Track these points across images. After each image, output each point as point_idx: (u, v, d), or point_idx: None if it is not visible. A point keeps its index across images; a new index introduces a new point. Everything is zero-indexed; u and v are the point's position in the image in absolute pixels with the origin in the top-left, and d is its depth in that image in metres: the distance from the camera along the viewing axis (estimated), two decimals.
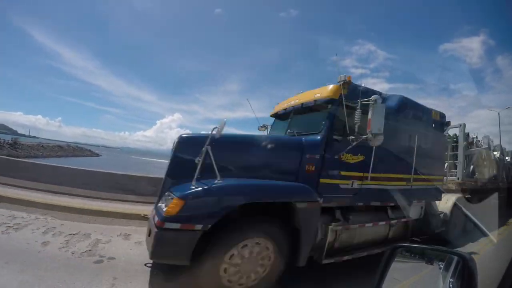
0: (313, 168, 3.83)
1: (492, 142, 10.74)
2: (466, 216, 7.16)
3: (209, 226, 2.95)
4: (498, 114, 20.52)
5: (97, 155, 79.20)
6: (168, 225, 2.89)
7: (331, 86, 4.20)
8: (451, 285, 1.54)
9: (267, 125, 5.96)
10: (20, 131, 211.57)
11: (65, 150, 64.80)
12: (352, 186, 4.14)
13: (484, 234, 7.15)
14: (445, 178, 7.11)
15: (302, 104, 4.60)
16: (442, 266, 1.71)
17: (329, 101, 4.15)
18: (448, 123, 6.34)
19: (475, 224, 7.55)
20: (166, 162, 3.77)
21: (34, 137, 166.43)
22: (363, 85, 4.40)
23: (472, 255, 1.45)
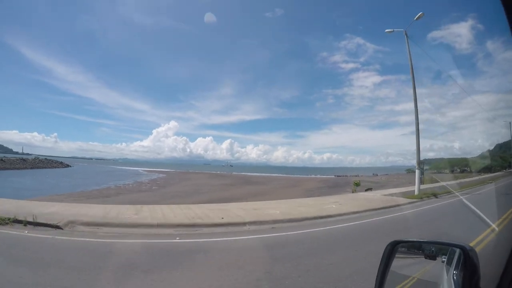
0: None
1: None
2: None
3: None
4: (405, 33, 17.26)
5: (67, 165, 77.43)
6: None
7: None
8: (454, 277, 1.51)
9: None
10: (15, 149, 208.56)
11: (28, 163, 63.51)
12: None
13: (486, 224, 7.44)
14: None
15: None
16: (445, 259, 1.67)
17: None
18: None
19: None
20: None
21: (27, 154, 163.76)
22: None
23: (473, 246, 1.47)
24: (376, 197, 15.59)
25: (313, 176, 75.50)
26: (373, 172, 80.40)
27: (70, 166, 79.26)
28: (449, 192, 17.28)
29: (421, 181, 28.12)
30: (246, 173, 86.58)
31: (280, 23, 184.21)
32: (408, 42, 17.10)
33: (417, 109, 17.59)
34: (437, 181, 29.74)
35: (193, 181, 44.86)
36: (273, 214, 9.66)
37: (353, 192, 19.89)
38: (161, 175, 63.23)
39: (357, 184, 21.72)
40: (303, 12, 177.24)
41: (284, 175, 79.26)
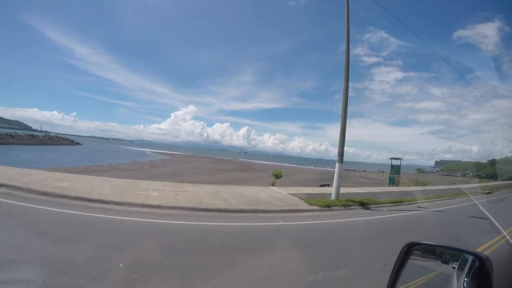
0: None
1: None
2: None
3: None
4: None
5: (77, 144, 79.73)
6: None
7: None
8: (465, 285, 1.50)
9: None
10: (34, 126, 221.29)
11: (37, 139, 65.95)
12: None
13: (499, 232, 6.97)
14: None
15: None
16: (456, 265, 1.67)
17: None
18: None
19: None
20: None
21: (45, 131, 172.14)
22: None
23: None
24: (273, 196, 11.58)
25: (320, 168, 74.96)
26: (379, 169, 78.59)
27: (80, 144, 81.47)
28: (400, 202, 13.12)
29: (396, 183, 23.60)
30: (253, 161, 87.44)
31: (302, 12, 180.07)
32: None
33: (348, 82, 12.57)
34: (423, 185, 26.29)
35: (189, 164, 45.57)
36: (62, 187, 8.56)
37: (271, 185, 16.00)
38: (164, 157, 65.23)
39: (276, 176, 17.08)
40: (326, 1, 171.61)
41: (290, 165, 78.98)
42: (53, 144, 66.62)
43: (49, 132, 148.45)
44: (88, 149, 68.29)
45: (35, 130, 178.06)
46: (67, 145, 73.09)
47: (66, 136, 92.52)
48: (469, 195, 17.50)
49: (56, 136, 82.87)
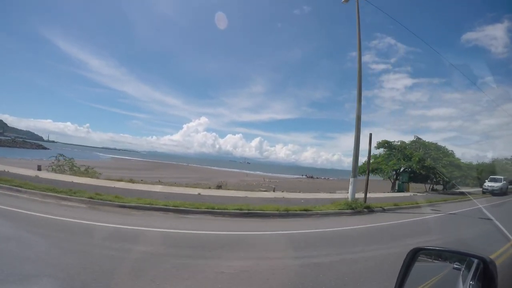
0: None
1: None
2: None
3: None
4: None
5: (44, 148, 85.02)
6: None
7: None
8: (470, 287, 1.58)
9: None
10: (45, 137, 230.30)
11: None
12: None
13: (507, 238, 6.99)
14: None
15: None
16: (462, 268, 1.75)
17: None
18: None
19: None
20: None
21: (52, 141, 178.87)
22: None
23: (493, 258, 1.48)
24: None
25: (270, 174, 70.87)
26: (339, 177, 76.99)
27: (48, 149, 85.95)
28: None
29: None
30: (216, 168, 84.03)
31: (308, 21, 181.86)
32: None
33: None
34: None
35: (103, 164, 47.80)
36: None
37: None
38: (106, 159, 73.24)
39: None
40: (330, 9, 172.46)
41: (259, 173, 73.75)
42: (14, 147, 73.15)
43: (56, 142, 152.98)
44: (39, 152, 69.61)
45: (43, 140, 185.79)
46: (30, 148, 79.27)
47: (76, 148, 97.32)
48: None
49: (23, 141, 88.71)
